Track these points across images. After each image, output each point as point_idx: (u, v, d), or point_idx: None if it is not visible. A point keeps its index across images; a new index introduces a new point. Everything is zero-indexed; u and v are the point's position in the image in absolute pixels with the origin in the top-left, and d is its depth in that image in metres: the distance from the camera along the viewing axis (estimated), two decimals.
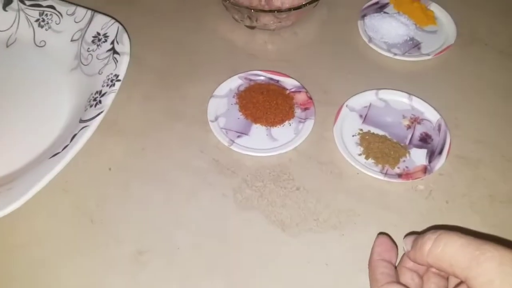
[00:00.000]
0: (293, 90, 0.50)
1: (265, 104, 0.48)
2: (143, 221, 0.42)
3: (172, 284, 0.38)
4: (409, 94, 0.49)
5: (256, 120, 0.48)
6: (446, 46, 0.55)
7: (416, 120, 0.48)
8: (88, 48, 0.50)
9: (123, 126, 0.48)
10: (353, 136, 0.47)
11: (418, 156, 0.45)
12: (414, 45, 0.56)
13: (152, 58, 0.54)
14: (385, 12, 0.59)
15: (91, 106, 0.45)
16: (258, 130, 0.48)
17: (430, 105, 0.48)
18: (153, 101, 0.50)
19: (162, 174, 0.45)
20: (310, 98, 0.49)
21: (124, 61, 0.47)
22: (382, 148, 0.45)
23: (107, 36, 0.50)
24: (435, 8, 0.60)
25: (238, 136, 0.47)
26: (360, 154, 0.46)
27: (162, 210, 0.42)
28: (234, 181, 0.44)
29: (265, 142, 0.47)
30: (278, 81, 0.51)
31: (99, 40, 0.50)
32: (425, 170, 0.44)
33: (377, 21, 0.57)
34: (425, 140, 0.46)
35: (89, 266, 0.39)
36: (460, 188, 0.44)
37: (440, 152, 0.45)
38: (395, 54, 0.54)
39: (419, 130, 0.47)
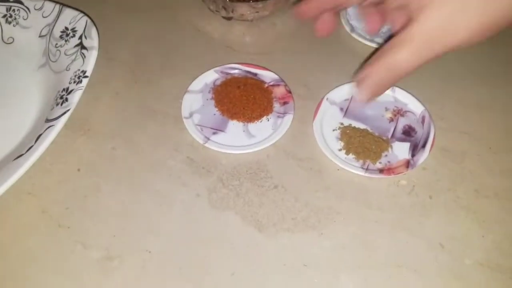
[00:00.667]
0: (271, 83, 0.48)
1: (242, 99, 0.46)
2: (113, 224, 0.40)
3: None
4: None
5: (232, 116, 0.46)
6: None
7: (399, 113, 0.46)
8: (56, 44, 0.48)
9: (93, 125, 0.46)
10: (333, 130, 0.45)
11: (401, 150, 0.43)
12: None
13: (123, 53, 0.52)
14: None
15: (57, 104, 0.43)
16: (234, 126, 0.45)
17: (414, 97, 0.46)
18: (124, 98, 0.48)
19: (133, 175, 0.43)
20: (289, 92, 0.47)
21: (92, 56, 0.45)
22: (363, 142, 0.43)
23: (75, 31, 0.47)
24: None
25: (214, 133, 0.45)
26: (340, 150, 0.44)
27: (133, 213, 0.40)
28: (210, 180, 0.42)
29: (242, 139, 0.44)
30: (256, 74, 0.49)
31: (67, 35, 0.48)
32: (408, 164, 0.42)
33: None
34: (408, 133, 0.44)
35: (55, 274, 0.37)
36: (444, 182, 0.42)
37: (424, 145, 0.43)
38: (379, 44, 0.52)
39: (402, 122, 0.45)
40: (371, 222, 0.40)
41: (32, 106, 0.46)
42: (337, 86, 0.47)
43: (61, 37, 0.48)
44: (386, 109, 0.46)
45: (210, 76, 0.49)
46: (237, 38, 0.54)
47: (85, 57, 0.45)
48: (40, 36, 0.50)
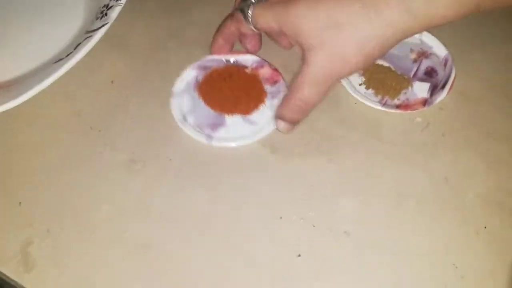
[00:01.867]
0: (254, 66, 0.46)
1: (233, 92, 0.44)
2: (139, 133, 0.43)
3: (161, 193, 0.40)
4: None
5: (228, 112, 0.44)
6: None
7: (423, 54, 0.46)
8: None
9: (128, 43, 0.49)
10: None
11: (421, 89, 0.44)
12: None
13: None
14: None
15: (97, 18, 0.46)
16: (232, 118, 0.44)
17: (440, 41, 0.47)
18: (159, 23, 0.51)
19: (162, 90, 0.45)
20: (276, 70, 0.46)
21: None
22: (383, 79, 0.44)
23: None
24: None
25: (214, 130, 0.43)
26: (361, 84, 0.45)
27: (158, 124, 0.43)
28: None
29: (244, 128, 0.43)
30: (236, 61, 0.46)
31: None
32: (425, 102, 0.43)
33: None
34: (430, 74, 0.45)
35: (84, 170, 0.41)
36: (458, 123, 0.42)
37: (443, 87, 0.44)
38: None
39: (425, 64, 0.46)
40: (380, 154, 0.41)
41: (76, 20, 0.49)
42: None
43: None
44: (411, 50, 0.47)
45: (190, 74, 0.46)
46: None
47: None
48: None
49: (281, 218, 0.38)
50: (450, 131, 0.42)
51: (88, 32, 0.44)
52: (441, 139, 0.42)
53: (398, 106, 0.43)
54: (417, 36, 0.47)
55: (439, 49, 0.46)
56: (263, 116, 0.43)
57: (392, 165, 0.41)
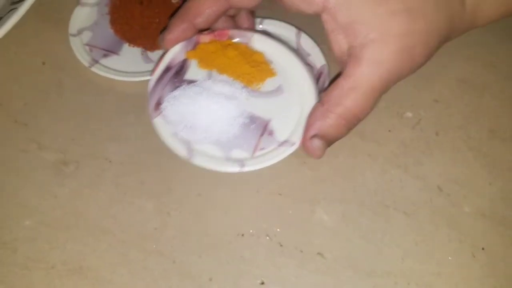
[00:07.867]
0: None
1: (142, 21, 0.38)
2: (73, 127, 0.36)
3: (98, 201, 0.33)
4: (299, 29, 0.38)
5: (130, 40, 0.39)
6: None
7: None
8: None
9: (63, 15, 0.40)
10: None
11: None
12: None
13: None
14: None
15: None
16: (131, 49, 0.39)
17: (319, 47, 0.37)
18: None
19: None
20: None
21: None
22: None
23: None
24: None
25: (105, 55, 0.38)
26: None
27: (97, 116, 0.36)
28: None
29: (138, 65, 0.37)
30: None
31: None
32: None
33: None
34: None
35: (5, 171, 0.34)
36: (456, 118, 0.36)
37: None
38: None
39: None
40: (362, 154, 0.35)
41: None
42: None
43: None
44: None
45: None
46: None
47: None
48: None
49: (243, 235, 0.32)
50: (446, 128, 0.35)
51: (14, 3, 0.37)
52: (435, 138, 0.35)
53: None
54: (293, 39, 0.38)
55: (317, 58, 0.37)
56: None
57: (377, 168, 0.34)
